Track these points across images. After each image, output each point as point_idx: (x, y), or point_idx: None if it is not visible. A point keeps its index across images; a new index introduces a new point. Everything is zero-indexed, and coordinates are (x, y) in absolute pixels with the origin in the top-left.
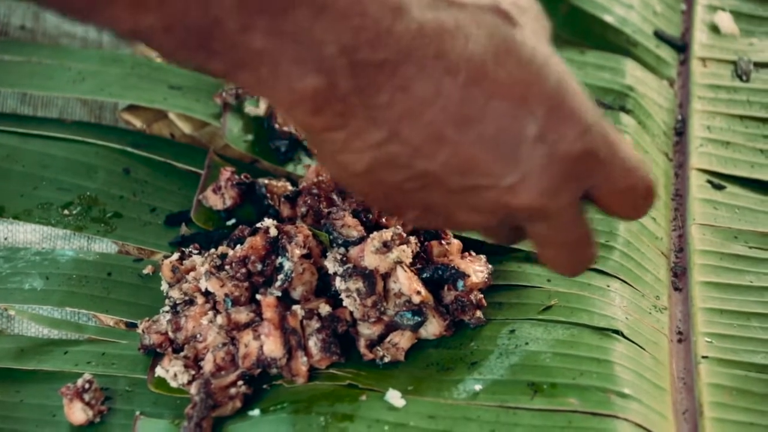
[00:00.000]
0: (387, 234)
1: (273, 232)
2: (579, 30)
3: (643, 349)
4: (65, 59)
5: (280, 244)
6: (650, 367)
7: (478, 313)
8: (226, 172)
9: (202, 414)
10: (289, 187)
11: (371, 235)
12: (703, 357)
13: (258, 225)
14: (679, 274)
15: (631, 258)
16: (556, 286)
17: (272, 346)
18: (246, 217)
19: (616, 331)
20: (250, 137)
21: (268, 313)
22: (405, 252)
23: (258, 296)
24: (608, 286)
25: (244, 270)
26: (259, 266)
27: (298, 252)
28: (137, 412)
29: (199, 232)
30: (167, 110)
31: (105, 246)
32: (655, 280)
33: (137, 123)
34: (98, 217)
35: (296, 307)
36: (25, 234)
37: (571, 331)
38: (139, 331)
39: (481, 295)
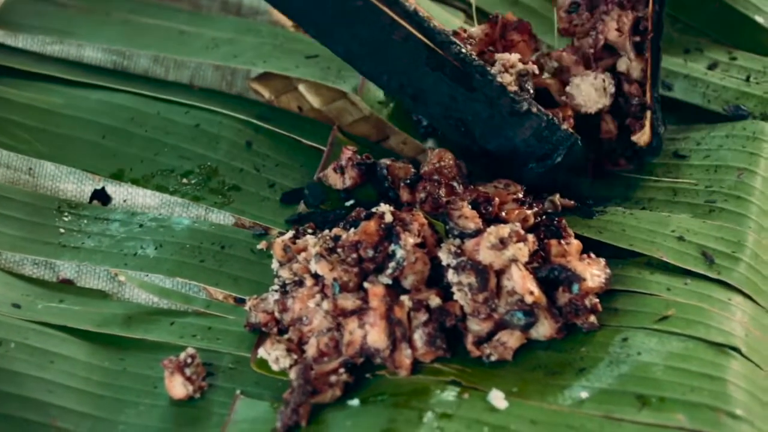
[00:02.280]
0: (504, 230)
1: (388, 218)
2: (728, 30)
3: (761, 368)
4: (201, 26)
5: (394, 231)
6: (765, 387)
7: (592, 318)
8: (348, 151)
9: (300, 400)
10: (412, 170)
11: (488, 230)
12: None
13: (374, 209)
14: None
15: (758, 272)
16: (675, 295)
17: (376, 337)
18: (365, 198)
19: (734, 348)
20: (391, 105)
21: (375, 302)
22: (521, 250)
23: (366, 284)
24: (730, 300)
25: (355, 255)
26: (370, 252)
27: (411, 240)
28: (238, 391)
29: (316, 211)
30: (299, 78)
31: (222, 217)
32: None
33: (266, 93)
34: (217, 189)
35: (404, 298)
36: (144, 198)
37: (686, 344)
38: (247, 308)
39: (597, 300)
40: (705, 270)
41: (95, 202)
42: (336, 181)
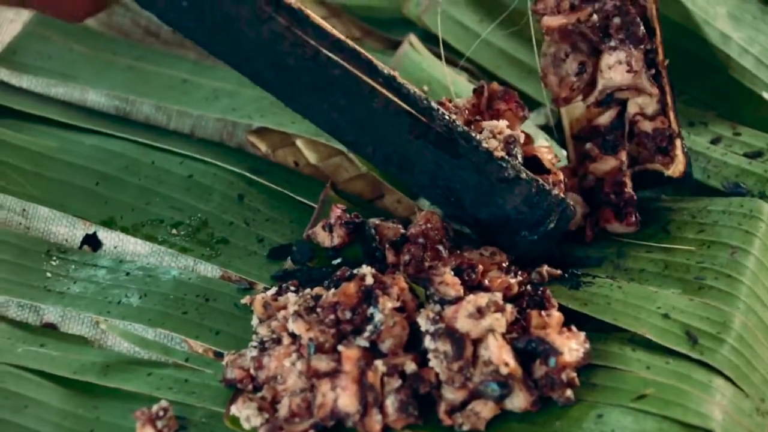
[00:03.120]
0: (482, 300)
1: (369, 280)
2: (733, 104)
3: None
4: (204, 76)
5: (373, 294)
6: None
7: (568, 392)
8: (337, 210)
9: None
10: (401, 231)
11: (467, 298)
12: None
13: (355, 271)
14: None
15: (742, 355)
16: (655, 374)
17: (347, 401)
18: (353, 257)
19: (709, 431)
20: None
21: (348, 365)
22: (499, 321)
23: (340, 347)
24: (710, 382)
25: (333, 316)
26: (348, 314)
27: (389, 305)
28: None
29: (301, 269)
30: (294, 134)
31: (210, 269)
32: (762, 381)
33: (262, 147)
34: (205, 241)
35: (378, 363)
36: (135, 245)
37: (660, 425)
38: (224, 363)
39: (574, 374)
40: (687, 350)
41: (85, 247)
42: (324, 239)
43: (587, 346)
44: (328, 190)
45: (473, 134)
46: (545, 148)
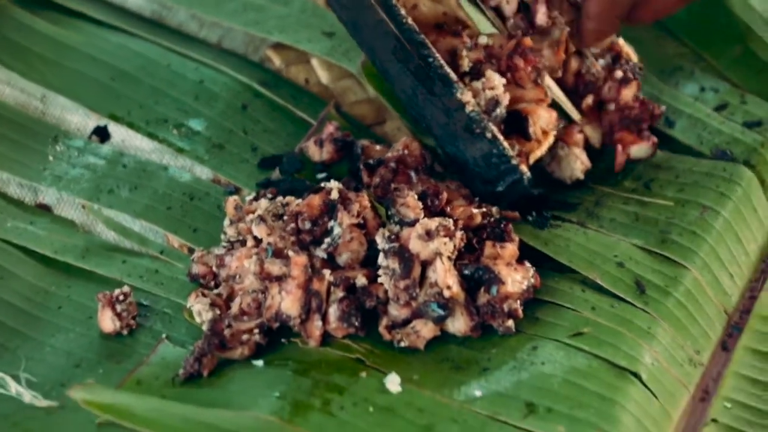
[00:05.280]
0: (432, 223)
1: (334, 195)
2: (747, 75)
3: (656, 397)
4: None
5: (336, 208)
6: (655, 417)
7: (509, 322)
8: (330, 126)
9: (204, 350)
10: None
11: (420, 221)
12: (713, 420)
13: (323, 184)
14: (734, 335)
15: (686, 308)
16: (597, 315)
17: (289, 304)
18: (339, 174)
19: (635, 374)
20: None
21: (295, 271)
22: (446, 245)
23: (290, 252)
24: (649, 329)
25: (293, 225)
26: (308, 225)
27: (347, 220)
28: (163, 335)
29: (285, 179)
30: (309, 53)
31: (205, 171)
32: (702, 335)
33: (276, 61)
34: (201, 143)
35: (326, 272)
36: (141, 141)
37: (590, 362)
38: (191, 258)
39: (517, 306)
40: (633, 298)
41: (94, 137)
42: (314, 153)
43: (533, 281)
44: (329, 108)
45: (453, 79)
46: (546, 114)
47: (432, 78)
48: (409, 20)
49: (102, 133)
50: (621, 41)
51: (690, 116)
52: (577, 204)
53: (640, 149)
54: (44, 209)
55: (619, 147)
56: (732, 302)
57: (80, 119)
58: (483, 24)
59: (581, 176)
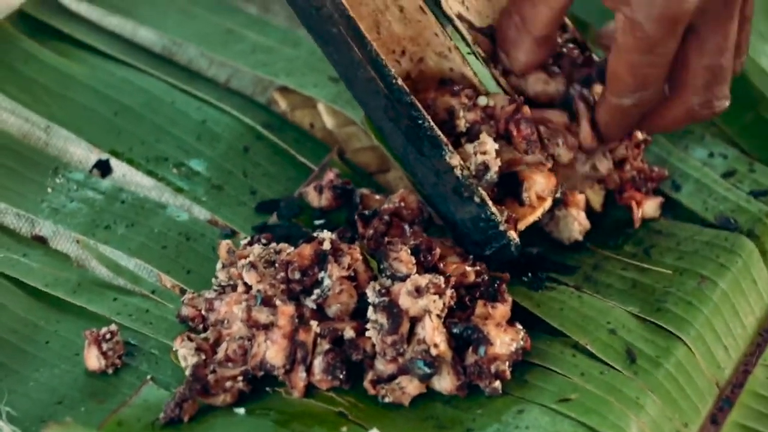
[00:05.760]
0: (422, 280)
1: (326, 245)
2: (757, 142)
3: None
4: (249, 29)
5: (327, 259)
6: None
7: (496, 384)
8: (331, 173)
9: (185, 396)
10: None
11: (411, 277)
12: None
13: (315, 234)
14: (725, 410)
15: (676, 380)
16: (586, 382)
17: (273, 354)
18: (337, 221)
19: None
20: None
21: (282, 320)
22: (436, 303)
23: (278, 302)
24: (638, 399)
25: (283, 274)
26: (297, 275)
27: (337, 272)
28: (148, 377)
29: (282, 225)
30: (313, 98)
31: (203, 212)
32: (691, 407)
33: (282, 104)
34: (201, 184)
35: (313, 323)
36: (142, 178)
37: (575, 430)
38: (182, 300)
39: (506, 367)
40: (623, 367)
41: (95, 171)
42: (314, 199)
43: (522, 343)
44: (332, 154)
45: (443, 142)
46: (543, 179)
47: (421, 139)
48: (399, 81)
49: (104, 167)
50: None
51: (697, 181)
52: (576, 267)
53: (650, 207)
54: (40, 241)
55: (634, 204)
56: (725, 375)
57: (83, 152)
58: (489, 82)
59: (579, 238)
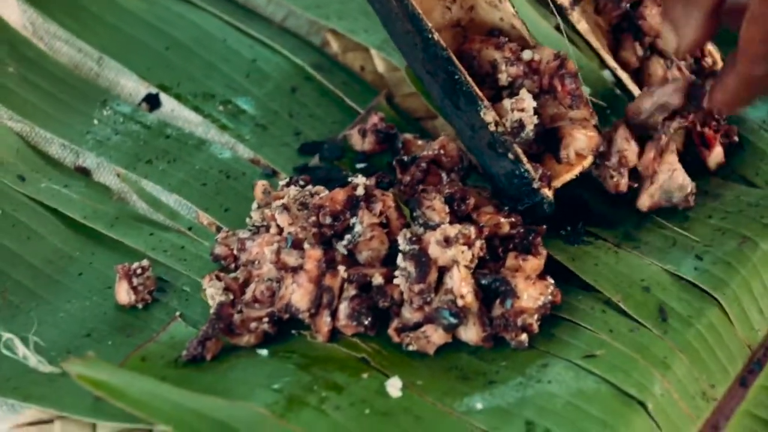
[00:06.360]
0: (452, 230)
1: (360, 191)
2: None
3: (660, 430)
4: None
5: (359, 205)
6: None
7: (523, 336)
8: (375, 117)
9: (208, 333)
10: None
11: (442, 226)
12: None
13: (350, 179)
14: (755, 372)
15: (705, 340)
16: (614, 339)
17: (299, 297)
18: (379, 166)
19: (642, 403)
20: None
21: (309, 264)
22: (464, 253)
23: (306, 245)
24: (665, 358)
25: (314, 218)
26: (328, 219)
27: (368, 219)
28: (177, 313)
29: (324, 167)
30: (362, 43)
31: (247, 150)
32: (720, 369)
33: (335, 46)
34: (245, 123)
35: (341, 268)
36: (190, 113)
37: (598, 387)
38: (216, 238)
39: (533, 320)
40: (653, 325)
41: (144, 104)
42: (357, 142)
43: (551, 297)
44: (380, 98)
45: (478, 97)
46: (584, 137)
47: (457, 93)
48: (435, 36)
49: (153, 101)
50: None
51: (752, 144)
52: (616, 222)
53: (717, 155)
54: (83, 173)
55: (717, 140)
56: (758, 338)
57: (134, 84)
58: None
59: (624, 189)
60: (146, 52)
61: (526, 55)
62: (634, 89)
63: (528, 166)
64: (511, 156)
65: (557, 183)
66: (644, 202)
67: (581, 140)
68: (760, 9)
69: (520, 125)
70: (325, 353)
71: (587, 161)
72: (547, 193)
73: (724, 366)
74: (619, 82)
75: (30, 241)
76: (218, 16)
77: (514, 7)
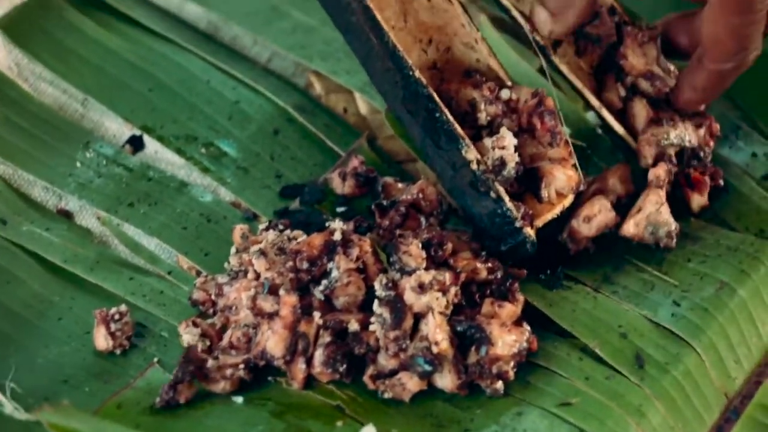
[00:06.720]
0: (426, 276)
1: (337, 236)
2: None
3: None
4: (294, 7)
5: (336, 250)
6: None
7: (498, 384)
8: (355, 160)
9: (178, 378)
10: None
11: (416, 273)
12: None
13: (327, 224)
14: (731, 421)
15: (683, 389)
16: (590, 386)
17: (273, 344)
18: (359, 209)
19: None
20: None
21: (284, 310)
22: (439, 300)
23: (281, 292)
24: (640, 406)
25: (291, 263)
26: (305, 264)
27: (344, 264)
28: (155, 359)
29: (304, 210)
30: (344, 85)
31: (228, 193)
32: (696, 418)
33: (318, 87)
34: (227, 166)
35: (316, 315)
36: (173, 156)
37: None
38: (194, 283)
39: (508, 368)
40: (630, 372)
41: (127, 146)
42: (338, 186)
43: (527, 344)
44: (362, 141)
45: (459, 136)
46: (564, 175)
47: (438, 132)
48: (416, 73)
49: (136, 143)
50: None
51: (735, 188)
52: (597, 264)
53: (702, 197)
54: (65, 215)
55: (704, 181)
56: (735, 386)
57: (117, 127)
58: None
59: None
60: (130, 93)
61: (505, 94)
62: (620, 129)
63: (510, 204)
64: (493, 195)
65: (539, 222)
66: (629, 228)
67: (561, 179)
68: (724, 4)
69: (502, 163)
70: (300, 401)
71: (567, 200)
72: (530, 232)
73: (700, 414)
74: (604, 123)
75: (9, 285)
76: (202, 57)
77: (490, 47)
